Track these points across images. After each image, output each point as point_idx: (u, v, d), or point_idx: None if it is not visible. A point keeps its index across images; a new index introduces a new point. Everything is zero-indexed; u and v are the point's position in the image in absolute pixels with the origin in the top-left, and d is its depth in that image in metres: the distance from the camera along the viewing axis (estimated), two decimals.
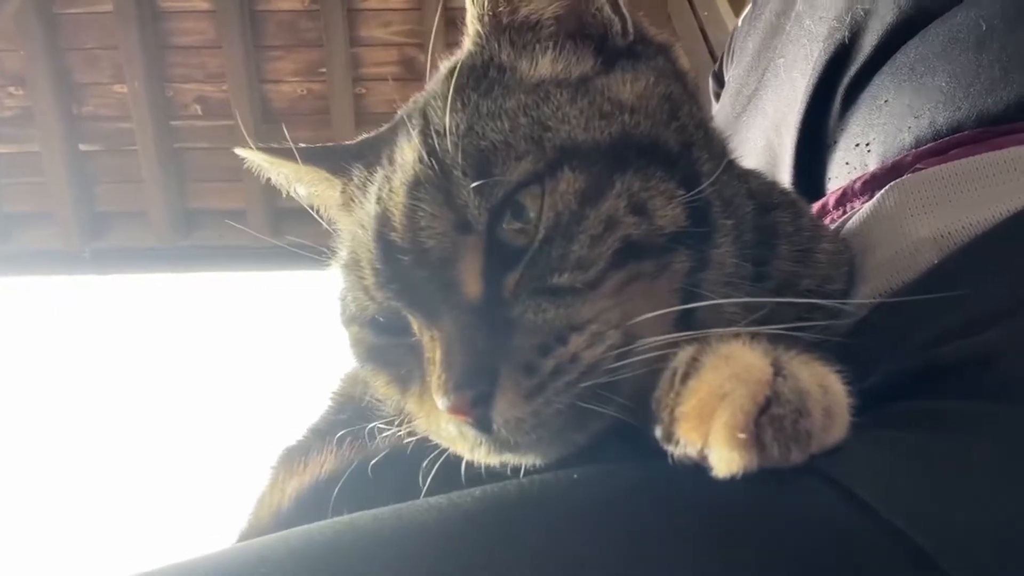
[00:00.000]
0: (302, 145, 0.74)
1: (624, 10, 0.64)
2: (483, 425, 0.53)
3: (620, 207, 0.55)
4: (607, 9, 0.64)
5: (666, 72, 0.64)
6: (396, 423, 0.66)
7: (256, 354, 4.19)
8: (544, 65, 0.62)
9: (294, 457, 0.78)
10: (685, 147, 0.60)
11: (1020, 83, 0.65)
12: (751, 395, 0.42)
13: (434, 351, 0.55)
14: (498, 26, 0.63)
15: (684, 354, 0.49)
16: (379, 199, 0.61)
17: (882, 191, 0.70)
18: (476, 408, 0.52)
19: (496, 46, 0.63)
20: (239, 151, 0.75)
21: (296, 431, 0.91)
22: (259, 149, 0.74)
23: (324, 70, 3.71)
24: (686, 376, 0.46)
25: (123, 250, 3.98)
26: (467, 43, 0.65)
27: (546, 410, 0.51)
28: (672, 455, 0.46)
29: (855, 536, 0.39)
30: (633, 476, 0.48)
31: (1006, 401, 0.46)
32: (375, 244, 0.60)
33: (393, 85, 3.68)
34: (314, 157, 0.73)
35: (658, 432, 0.47)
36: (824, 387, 0.43)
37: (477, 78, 0.61)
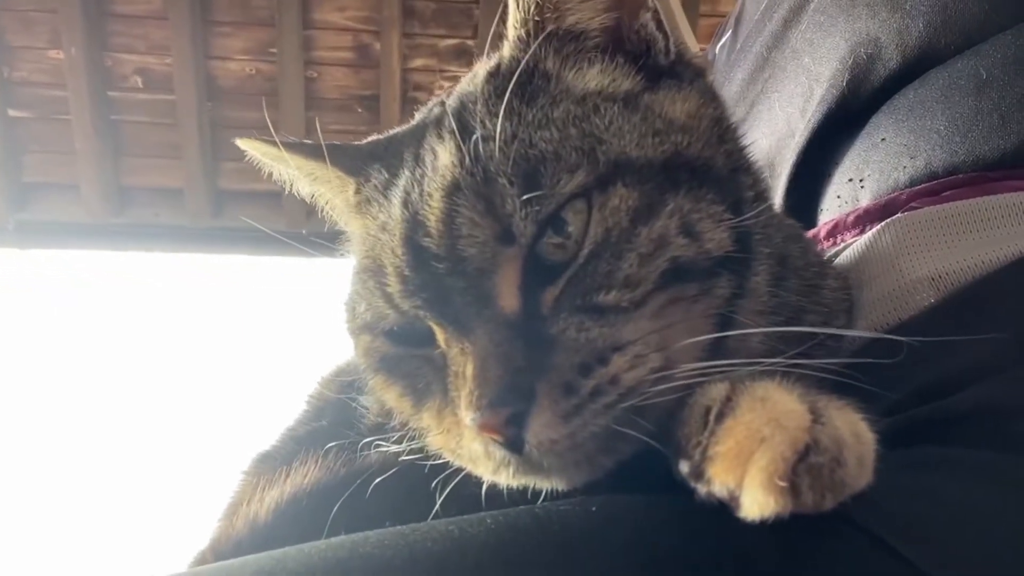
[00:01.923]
0: (308, 142, 0.71)
1: (667, 28, 0.64)
2: (515, 445, 0.51)
3: (672, 227, 0.54)
4: (651, 26, 0.63)
5: (709, 95, 0.64)
6: (397, 438, 0.64)
7: (190, 340, 4.06)
8: (592, 77, 0.61)
9: (273, 464, 0.75)
10: (733, 171, 0.60)
11: (1017, 132, 0.67)
12: (791, 442, 0.42)
13: (465, 365, 0.53)
14: (544, 33, 0.61)
15: (717, 391, 0.48)
16: (407, 203, 0.58)
17: (878, 227, 0.72)
18: (510, 427, 0.50)
19: (541, 53, 0.61)
20: (239, 142, 0.71)
21: (268, 435, 0.88)
22: (263, 141, 0.71)
23: (275, 50, 3.59)
24: (721, 415, 0.46)
25: (50, 224, 3.78)
26: (507, 48, 0.63)
27: (582, 432, 0.50)
28: (698, 492, 0.46)
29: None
30: (656, 513, 0.47)
31: None
32: (404, 249, 0.57)
33: (345, 71, 3.61)
34: (326, 155, 0.70)
35: (685, 468, 0.46)
36: (857, 435, 0.44)
37: (521, 84, 0.59)
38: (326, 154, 0.69)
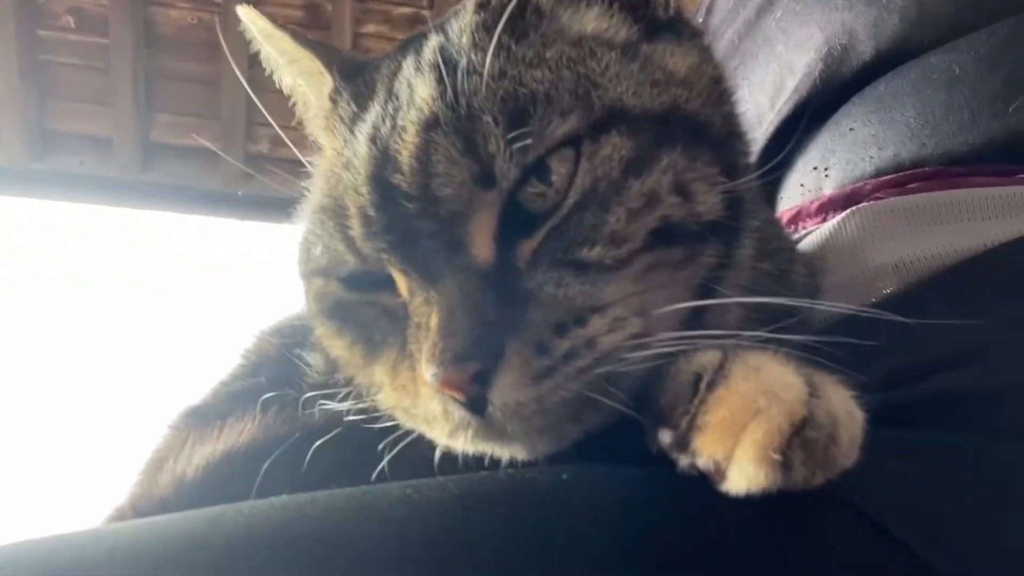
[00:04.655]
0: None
1: None
2: (477, 406, 0.48)
3: (664, 183, 0.51)
4: None
5: (708, 55, 0.62)
6: (343, 396, 0.60)
7: (106, 296, 3.89)
8: (589, 20, 0.58)
9: (203, 420, 0.71)
10: (729, 135, 0.58)
11: (986, 129, 0.68)
12: (787, 414, 0.40)
13: (429, 316, 0.49)
14: None
15: (707, 358, 0.46)
16: (375, 138, 0.54)
17: (842, 215, 0.72)
18: (473, 386, 0.47)
19: None
20: (240, 10, 0.66)
21: (198, 388, 0.83)
22: (261, 15, 0.66)
23: (220, 1, 3.47)
24: (712, 384, 0.44)
25: None
26: None
27: (551, 397, 0.47)
28: (680, 464, 0.44)
29: (874, 558, 0.39)
30: (634, 484, 0.45)
31: (1011, 439, 0.48)
32: (369, 187, 0.53)
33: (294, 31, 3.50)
34: (314, 47, 0.66)
35: (667, 438, 0.45)
36: (849, 412, 0.43)
37: (512, 19, 0.55)
38: (314, 46, 0.65)
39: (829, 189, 0.78)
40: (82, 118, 3.57)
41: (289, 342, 0.76)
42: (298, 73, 0.68)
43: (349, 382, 0.61)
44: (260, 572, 0.42)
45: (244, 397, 0.71)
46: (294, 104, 0.72)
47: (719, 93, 0.59)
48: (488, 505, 0.45)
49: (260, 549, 0.43)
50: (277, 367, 0.76)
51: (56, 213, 3.83)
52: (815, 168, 0.81)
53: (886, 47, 0.77)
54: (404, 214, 0.51)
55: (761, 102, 0.91)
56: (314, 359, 0.73)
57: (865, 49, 0.79)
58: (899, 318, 0.51)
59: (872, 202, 0.71)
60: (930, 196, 0.67)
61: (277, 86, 0.71)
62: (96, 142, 3.57)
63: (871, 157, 0.74)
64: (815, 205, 0.77)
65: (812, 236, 0.75)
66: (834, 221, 0.72)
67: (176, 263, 3.88)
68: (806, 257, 0.72)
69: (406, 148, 0.52)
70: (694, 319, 0.53)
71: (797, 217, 0.79)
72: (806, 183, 0.82)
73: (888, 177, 0.72)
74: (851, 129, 0.78)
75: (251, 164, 3.47)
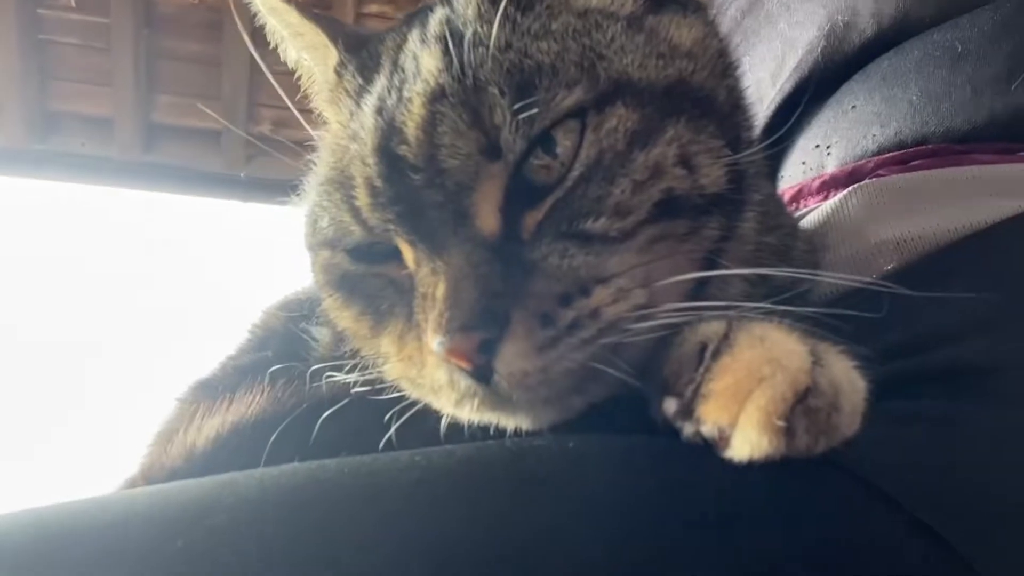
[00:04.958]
0: None
1: None
2: (483, 375, 0.48)
3: (669, 155, 0.52)
4: None
5: (712, 28, 0.62)
6: (349, 368, 0.61)
7: (109, 276, 3.89)
8: None
9: (212, 393, 0.72)
10: (734, 108, 0.59)
11: (988, 107, 0.68)
12: (792, 382, 0.41)
13: (435, 286, 0.50)
14: None
15: (712, 328, 0.47)
16: (381, 110, 0.55)
17: (844, 192, 0.72)
18: (480, 355, 0.48)
19: None
20: None
21: (198, 367, 0.84)
22: None
23: None
24: (717, 353, 0.45)
25: None
26: None
27: (555, 367, 0.48)
28: (683, 432, 0.45)
29: (875, 525, 0.40)
30: (640, 452, 0.46)
31: (1011, 408, 0.49)
32: (376, 158, 0.54)
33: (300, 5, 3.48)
34: (319, 20, 0.66)
35: (672, 406, 0.45)
36: (851, 382, 0.44)
37: None
38: (319, 20, 0.66)
39: (831, 167, 0.78)
40: (83, 99, 3.55)
41: (296, 316, 0.77)
42: (303, 47, 0.68)
43: (355, 354, 0.62)
44: (274, 534, 0.43)
45: (252, 370, 0.72)
46: (298, 78, 0.72)
47: (724, 66, 0.59)
48: (495, 471, 0.46)
49: (274, 511, 0.44)
50: (284, 341, 0.77)
51: (58, 194, 3.84)
52: (816, 146, 0.81)
53: (888, 24, 0.78)
54: (410, 185, 0.52)
55: (762, 79, 0.91)
56: (320, 333, 0.74)
57: (867, 26, 0.79)
58: (901, 289, 0.52)
59: (874, 179, 0.71)
60: (932, 174, 0.68)
61: (282, 59, 0.72)
62: (97, 123, 3.55)
63: (873, 135, 0.75)
64: (817, 183, 0.78)
65: (814, 214, 0.75)
66: (836, 198, 0.73)
67: (177, 244, 3.88)
68: (807, 234, 0.72)
69: (412, 120, 0.52)
70: (697, 291, 0.54)
71: (799, 195, 0.80)
72: (807, 161, 0.82)
73: (890, 155, 0.73)
74: (853, 107, 0.78)
75: (253, 145, 3.47)
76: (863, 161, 0.75)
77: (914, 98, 0.73)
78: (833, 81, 0.82)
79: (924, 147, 0.71)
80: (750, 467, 0.41)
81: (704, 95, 0.56)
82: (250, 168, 3.52)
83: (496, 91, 0.51)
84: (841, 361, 0.45)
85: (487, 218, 0.51)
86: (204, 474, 0.51)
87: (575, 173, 0.51)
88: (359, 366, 0.61)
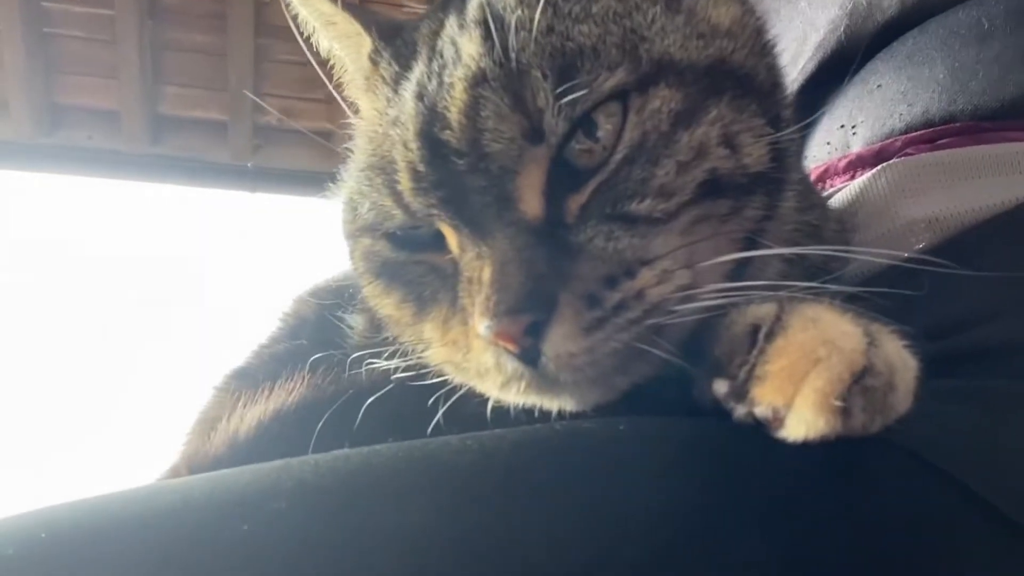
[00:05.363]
0: None
1: None
2: (530, 357, 0.49)
3: (713, 135, 0.52)
4: None
5: (749, 6, 0.62)
6: (389, 354, 0.62)
7: (116, 269, 3.90)
8: None
9: (251, 382, 0.73)
10: (773, 87, 0.59)
11: (1017, 84, 0.68)
12: (848, 363, 0.42)
13: (481, 270, 0.51)
14: None
15: (764, 310, 0.47)
16: (421, 96, 0.55)
17: (873, 171, 0.73)
18: (527, 337, 0.48)
19: None
20: None
21: (241, 352, 0.85)
22: None
23: None
24: (771, 334, 0.45)
25: None
26: None
27: (602, 348, 0.49)
28: (736, 412, 0.45)
29: (931, 497, 0.41)
30: (691, 434, 0.47)
31: None
32: (418, 143, 0.54)
33: None
34: (352, 9, 0.66)
35: (723, 388, 0.46)
36: (904, 360, 0.44)
37: None
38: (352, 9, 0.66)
39: (857, 146, 0.79)
40: (89, 91, 3.55)
41: (329, 303, 0.78)
42: (335, 36, 0.68)
43: (395, 340, 0.63)
44: (334, 517, 0.43)
45: (288, 359, 0.73)
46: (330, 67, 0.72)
47: (762, 44, 0.60)
48: (548, 452, 0.46)
49: (333, 496, 0.45)
50: (316, 329, 0.78)
51: (65, 187, 3.84)
52: (842, 126, 0.81)
53: (911, 2, 0.78)
54: (453, 170, 0.52)
55: (783, 59, 0.91)
56: (354, 320, 0.75)
57: (890, 4, 0.79)
58: (940, 265, 0.53)
59: (903, 158, 0.71)
60: (963, 151, 0.68)
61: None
62: (104, 115, 3.54)
63: (900, 114, 0.75)
64: (843, 162, 0.78)
65: (841, 193, 0.75)
66: (864, 178, 0.73)
67: (186, 236, 3.89)
68: (836, 214, 0.73)
69: (454, 104, 0.53)
70: (737, 272, 0.54)
71: (825, 175, 0.80)
72: (832, 141, 0.82)
73: (918, 133, 0.73)
74: (879, 86, 0.78)
75: (260, 135, 3.47)
76: (890, 140, 0.75)
77: (941, 76, 0.73)
78: (854, 61, 0.82)
79: (952, 125, 0.71)
80: (805, 447, 0.42)
81: (745, 73, 0.56)
82: (257, 158, 3.53)
83: (539, 74, 0.51)
84: (893, 341, 0.46)
85: (531, 202, 0.52)
86: (248, 462, 0.52)
87: (618, 155, 0.51)
88: (399, 352, 0.62)
